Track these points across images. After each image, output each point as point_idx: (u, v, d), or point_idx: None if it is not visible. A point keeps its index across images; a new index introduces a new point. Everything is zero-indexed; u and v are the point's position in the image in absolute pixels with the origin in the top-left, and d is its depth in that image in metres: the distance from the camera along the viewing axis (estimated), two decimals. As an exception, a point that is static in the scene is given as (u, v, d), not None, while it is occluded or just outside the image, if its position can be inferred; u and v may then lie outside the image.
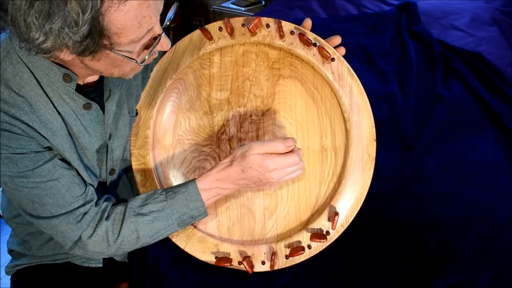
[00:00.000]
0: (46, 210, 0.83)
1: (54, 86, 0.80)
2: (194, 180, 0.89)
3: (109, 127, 0.90)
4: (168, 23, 0.77)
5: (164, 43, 0.77)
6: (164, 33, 0.76)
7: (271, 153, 0.84)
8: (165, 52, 0.96)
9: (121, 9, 0.67)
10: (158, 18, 0.74)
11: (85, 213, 0.85)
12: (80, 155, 0.87)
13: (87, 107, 0.85)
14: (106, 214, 0.87)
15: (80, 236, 0.85)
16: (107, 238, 0.86)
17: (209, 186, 0.88)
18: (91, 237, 0.86)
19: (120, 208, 0.88)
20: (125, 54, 0.73)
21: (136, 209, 0.87)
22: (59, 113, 0.82)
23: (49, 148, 0.83)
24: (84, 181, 0.87)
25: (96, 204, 0.87)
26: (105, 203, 0.89)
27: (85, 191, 0.86)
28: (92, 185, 0.89)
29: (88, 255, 0.89)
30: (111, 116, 0.89)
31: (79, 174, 0.87)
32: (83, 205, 0.85)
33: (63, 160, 0.84)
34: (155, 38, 0.75)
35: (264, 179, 0.85)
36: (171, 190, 0.88)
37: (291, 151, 0.85)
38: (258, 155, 0.83)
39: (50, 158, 0.82)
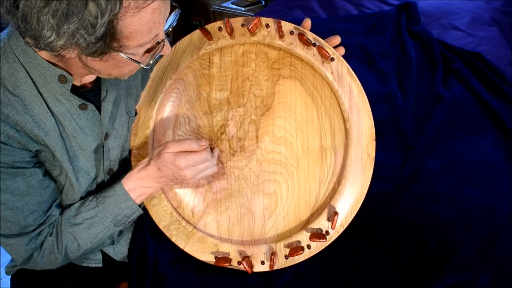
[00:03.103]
0: (6, 226, 0.84)
1: (49, 87, 0.80)
2: (120, 181, 0.91)
3: (105, 127, 0.90)
4: (170, 29, 0.78)
5: (166, 47, 0.79)
6: (166, 38, 0.77)
7: (184, 152, 0.86)
8: (164, 53, 0.97)
9: (137, 14, 0.68)
10: (165, 24, 0.76)
11: (39, 234, 0.87)
12: (70, 156, 0.87)
13: (83, 107, 0.85)
14: (51, 230, 0.89)
15: (32, 255, 0.88)
16: (53, 251, 0.88)
17: (133, 186, 0.90)
18: (40, 254, 0.88)
19: (58, 220, 0.89)
20: (130, 56, 0.74)
21: (71, 219, 0.89)
22: (52, 113, 0.82)
23: (33, 164, 0.83)
24: (52, 202, 0.88)
25: (50, 225, 0.89)
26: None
27: (46, 215, 0.87)
28: (59, 203, 0.90)
29: (38, 268, 0.92)
30: (107, 116, 0.90)
31: (60, 191, 0.89)
32: (39, 226, 0.87)
33: (42, 180, 0.85)
34: (158, 43, 0.76)
35: (178, 177, 0.87)
36: (100, 196, 0.91)
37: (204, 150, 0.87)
38: (172, 153, 0.86)
39: (26, 180, 0.82)
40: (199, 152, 0.87)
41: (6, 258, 1.86)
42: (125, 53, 0.73)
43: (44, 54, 0.78)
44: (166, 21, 0.77)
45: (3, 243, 0.87)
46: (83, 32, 0.66)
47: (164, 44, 0.77)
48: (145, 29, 0.71)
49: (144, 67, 0.78)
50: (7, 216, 0.83)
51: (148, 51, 0.76)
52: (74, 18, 0.64)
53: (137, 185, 0.90)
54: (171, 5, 0.76)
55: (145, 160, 0.90)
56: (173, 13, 0.79)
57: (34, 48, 0.71)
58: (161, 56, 0.96)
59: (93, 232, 0.90)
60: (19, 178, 0.81)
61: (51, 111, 0.82)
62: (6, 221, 0.84)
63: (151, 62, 0.79)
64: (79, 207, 0.91)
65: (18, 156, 0.80)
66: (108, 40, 0.69)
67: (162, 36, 0.76)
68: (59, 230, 0.89)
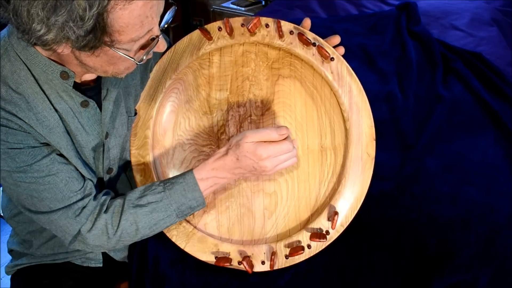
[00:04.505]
0: (45, 205, 0.83)
1: (51, 84, 0.81)
2: (191, 170, 0.89)
3: (106, 125, 0.90)
4: (166, 25, 0.78)
5: (161, 44, 0.78)
6: (161, 35, 0.76)
7: (265, 142, 0.84)
8: (164, 52, 0.96)
9: (127, 8, 0.68)
10: (158, 19, 0.75)
11: (84, 207, 0.85)
12: (78, 152, 0.87)
13: (84, 104, 0.85)
14: (105, 207, 0.87)
15: (79, 230, 0.86)
16: (106, 231, 0.86)
17: (206, 176, 0.88)
18: (91, 231, 0.86)
19: (119, 201, 0.88)
20: (123, 52, 0.74)
21: (135, 201, 0.87)
22: (56, 110, 0.82)
23: (47, 144, 0.83)
24: (83, 175, 0.88)
25: (95, 198, 0.88)
26: (104, 197, 0.89)
27: (83, 186, 0.86)
28: (91, 180, 0.90)
29: (89, 249, 0.90)
30: (108, 114, 0.90)
31: (77, 170, 0.87)
32: (82, 199, 0.85)
33: (62, 155, 0.85)
34: (153, 39, 0.76)
35: (258, 168, 0.85)
36: (169, 181, 0.89)
37: (284, 139, 0.85)
38: (252, 143, 0.84)
39: (48, 153, 0.82)
40: (281, 142, 0.84)
41: (6, 258, 1.86)
42: (118, 48, 0.73)
43: (43, 52, 0.78)
44: (163, 18, 0.77)
45: (47, 221, 0.85)
46: (72, 25, 0.66)
47: (158, 41, 0.77)
48: (137, 23, 0.70)
49: (137, 63, 0.78)
50: (42, 194, 0.82)
51: (143, 47, 0.76)
52: (62, 10, 0.65)
53: (211, 175, 0.88)
54: (168, 2, 0.76)
55: (222, 150, 0.87)
56: (169, 10, 0.79)
57: (27, 43, 0.71)
58: (161, 53, 0.96)
59: (154, 218, 0.88)
60: (39, 156, 0.81)
61: (54, 108, 0.82)
62: (43, 200, 0.83)
63: (145, 58, 0.78)
64: (144, 190, 0.89)
65: (32, 141, 0.80)
66: (98, 34, 0.69)
67: (156, 32, 0.75)
68: (116, 211, 0.87)
